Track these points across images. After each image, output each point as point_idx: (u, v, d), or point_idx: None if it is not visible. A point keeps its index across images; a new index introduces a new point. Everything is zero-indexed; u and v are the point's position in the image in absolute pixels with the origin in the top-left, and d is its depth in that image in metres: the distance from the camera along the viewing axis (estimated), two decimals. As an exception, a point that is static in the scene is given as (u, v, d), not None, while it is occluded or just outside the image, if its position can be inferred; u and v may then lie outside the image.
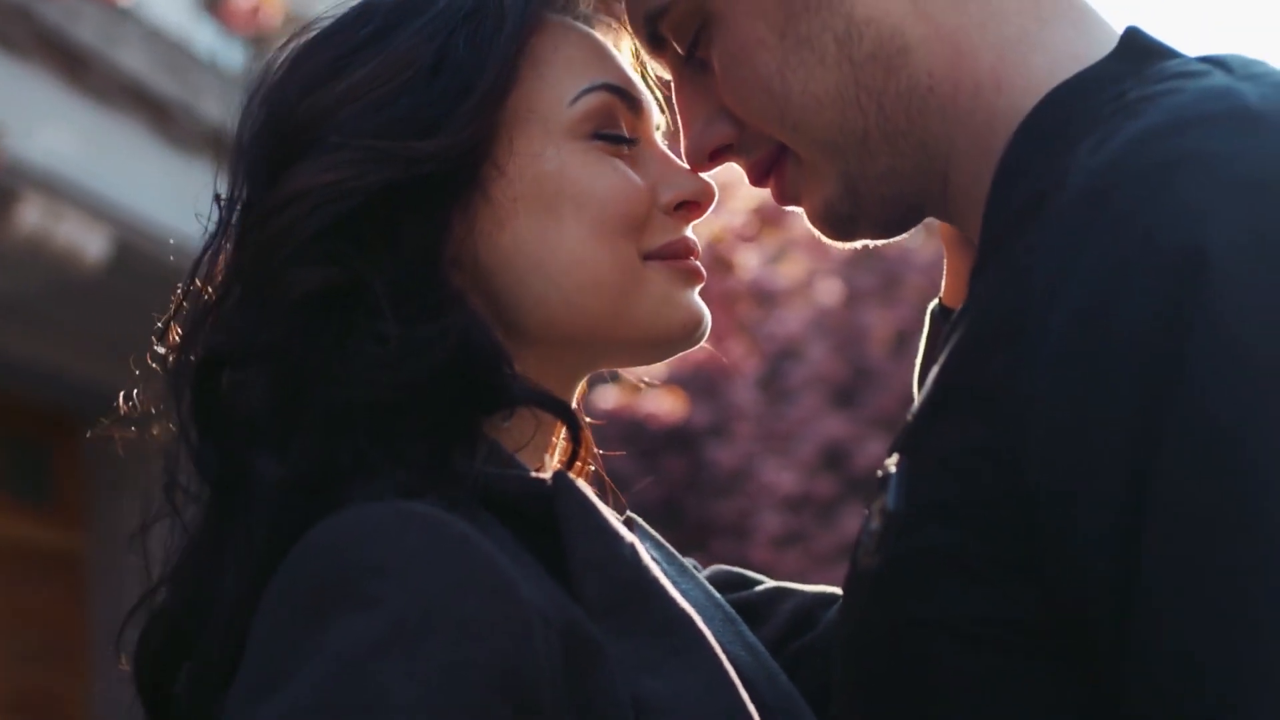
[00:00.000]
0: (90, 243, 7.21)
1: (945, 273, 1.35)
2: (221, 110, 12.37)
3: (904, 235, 1.26)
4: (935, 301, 1.36)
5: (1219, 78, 1.04)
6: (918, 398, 1.12)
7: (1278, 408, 0.91)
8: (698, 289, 1.28)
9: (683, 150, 1.28)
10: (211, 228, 1.27)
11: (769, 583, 1.46)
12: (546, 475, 1.19)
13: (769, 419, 9.77)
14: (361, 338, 1.17)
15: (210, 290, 1.25)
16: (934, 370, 1.09)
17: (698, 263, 1.28)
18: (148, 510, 1.26)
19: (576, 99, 1.25)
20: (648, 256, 1.26)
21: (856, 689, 1.10)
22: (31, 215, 6.96)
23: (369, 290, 1.17)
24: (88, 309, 7.58)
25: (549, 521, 1.14)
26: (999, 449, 0.99)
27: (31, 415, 8.32)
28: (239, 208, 1.25)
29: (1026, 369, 0.98)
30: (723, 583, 1.42)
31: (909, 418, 1.09)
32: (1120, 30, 1.16)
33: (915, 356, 1.35)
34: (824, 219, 1.22)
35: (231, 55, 8.95)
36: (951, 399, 1.05)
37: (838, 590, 1.40)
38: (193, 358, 1.22)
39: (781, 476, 9.54)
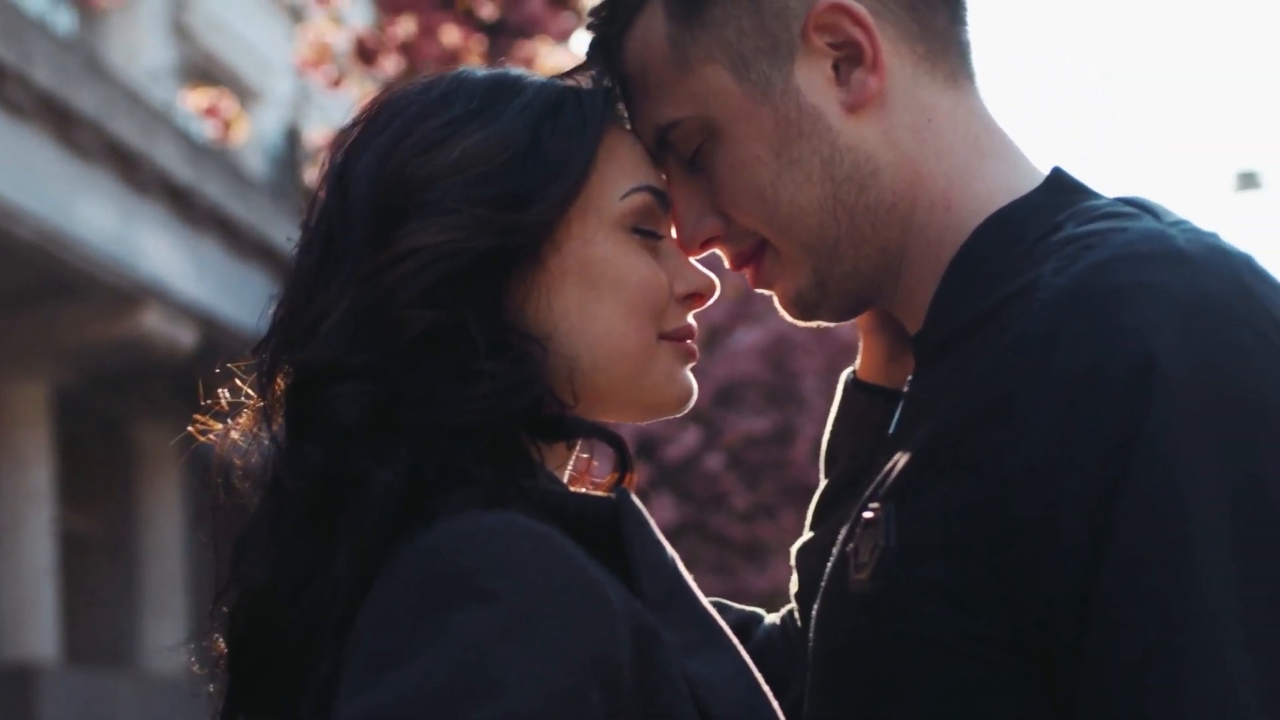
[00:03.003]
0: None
1: (861, 353, 1.60)
2: (53, 75, 12.69)
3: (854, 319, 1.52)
4: (850, 373, 1.61)
5: (1151, 222, 1.30)
6: (902, 457, 1.35)
7: (1208, 480, 1.18)
8: (690, 366, 1.51)
9: (676, 236, 1.51)
10: (295, 257, 1.46)
11: None
12: (603, 493, 1.42)
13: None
14: (452, 371, 1.37)
15: (299, 311, 1.43)
16: (916, 435, 1.34)
17: (694, 344, 1.51)
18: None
19: (625, 196, 1.45)
20: (661, 336, 1.47)
21: (839, 692, 1.36)
22: None
23: (468, 334, 1.38)
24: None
25: (611, 531, 1.36)
26: (985, 503, 1.24)
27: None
28: (331, 228, 1.43)
29: (1013, 444, 1.23)
30: None
31: (893, 473, 1.34)
32: (1042, 168, 1.43)
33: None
34: (794, 304, 1.48)
35: (61, 19, 9.23)
36: (943, 461, 1.29)
37: (758, 610, 1.71)
38: (295, 365, 1.40)
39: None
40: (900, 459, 1.35)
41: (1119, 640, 1.19)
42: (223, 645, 1.43)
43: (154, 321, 14.34)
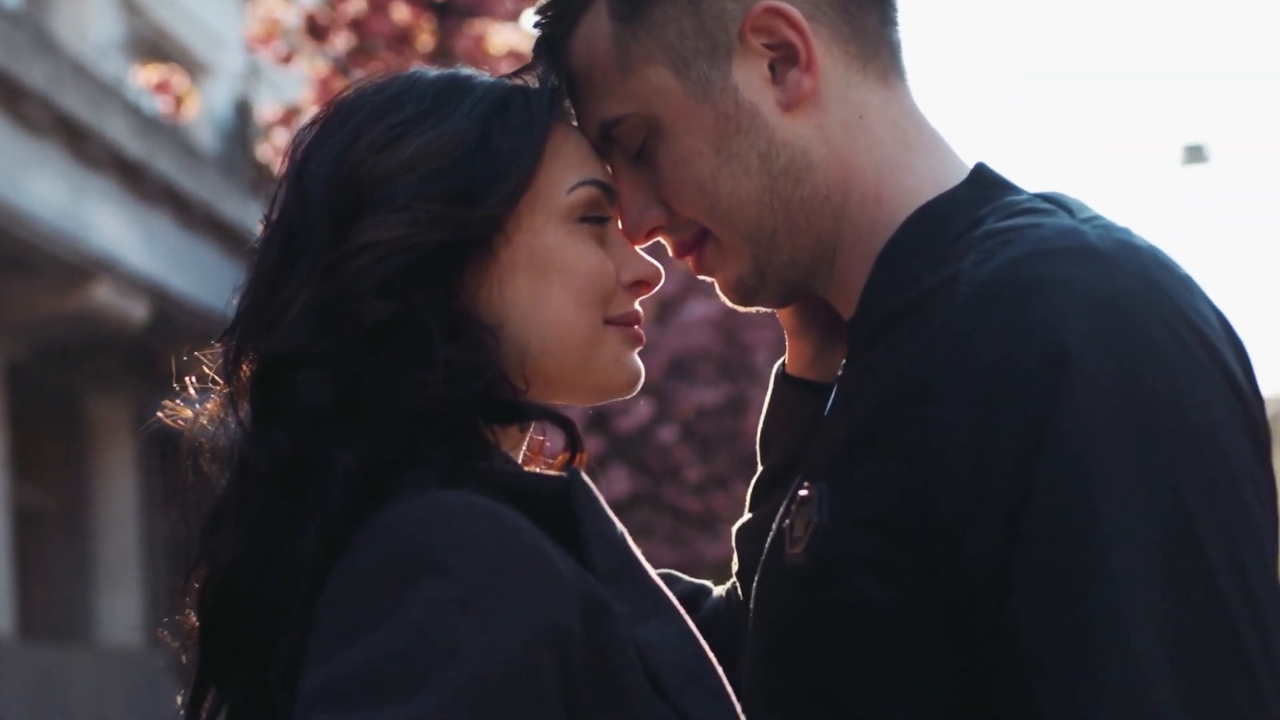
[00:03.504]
0: None
1: (788, 350, 1.68)
2: (2, 49, 12.66)
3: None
4: (779, 366, 1.69)
5: (1065, 219, 1.38)
6: (834, 438, 1.44)
7: (1117, 468, 1.26)
8: (638, 350, 1.59)
9: (622, 227, 1.58)
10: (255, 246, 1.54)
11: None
12: (554, 472, 1.51)
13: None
14: (409, 359, 1.44)
15: (262, 303, 1.50)
16: (847, 418, 1.43)
17: (640, 330, 1.59)
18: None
19: (572, 189, 1.53)
20: (608, 321, 1.54)
21: (778, 661, 1.44)
22: None
23: (423, 323, 1.44)
24: None
25: (563, 508, 1.44)
26: (911, 481, 1.32)
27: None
28: (290, 224, 1.50)
29: (936, 426, 1.32)
30: None
31: (826, 453, 1.43)
32: (969, 163, 1.51)
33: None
34: (734, 290, 1.56)
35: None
36: (871, 443, 1.37)
37: (705, 582, 1.80)
38: (260, 354, 1.48)
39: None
40: (832, 440, 1.44)
41: (1030, 621, 1.27)
42: (194, 620, 1.49)
43: (105, 295, 14.29)
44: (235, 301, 1.54)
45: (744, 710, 1.46)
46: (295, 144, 1.56)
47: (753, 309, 1.59)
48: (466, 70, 1.60)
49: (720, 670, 1.46)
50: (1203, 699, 1.24)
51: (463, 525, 1.34)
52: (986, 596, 1.29)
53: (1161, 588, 1.25)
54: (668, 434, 14.77)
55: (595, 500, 1.47)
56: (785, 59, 1.49)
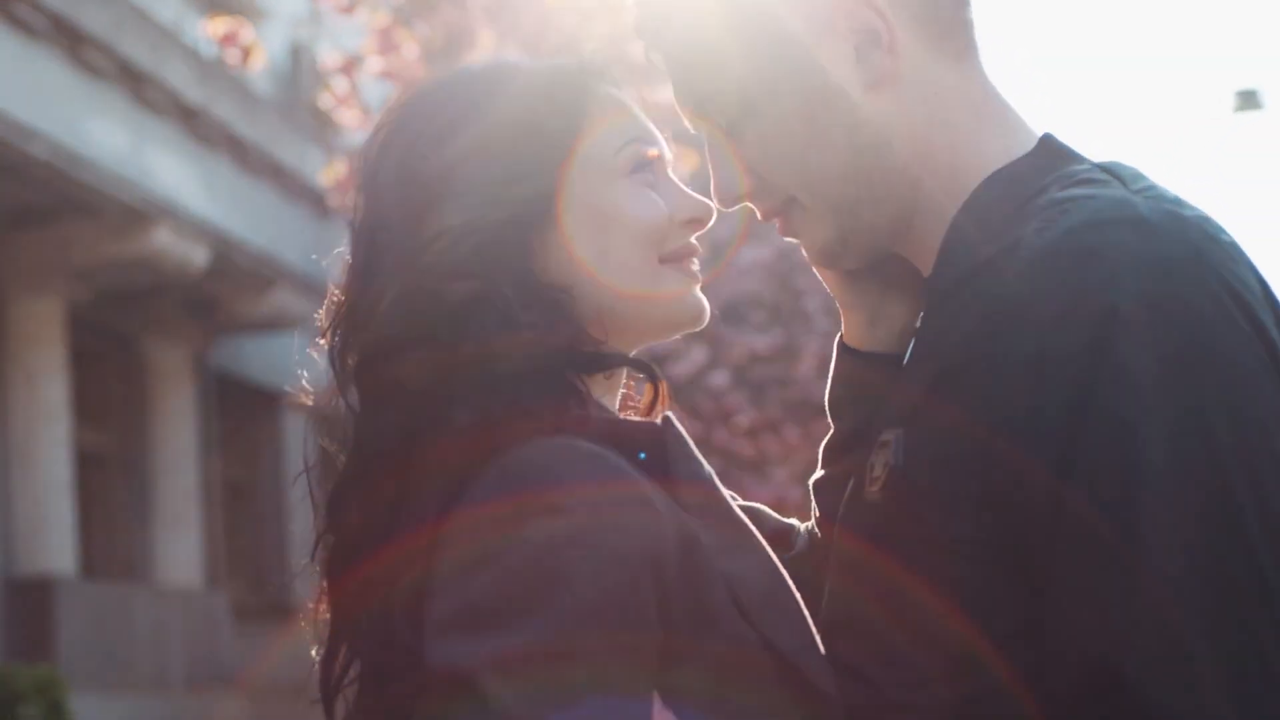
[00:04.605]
0: None
1: (843, 320, 1.79)
2: None
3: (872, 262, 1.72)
4: (839, 337, 1.81)
5: (1118, 190, 1.50)
6: (911, 387, 1.56)
7: (1157, 412, 1.39)
8: (699, 286, 1.71)
9: (713, 194, 1.70)
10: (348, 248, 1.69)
11: (741, 502, 1.91)
12: (650, 419, 1.66)
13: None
14: (496, 328, 1.56)
15: (356, 301, 1.65)
16: (923, 370, 1.55)
17: (697, 266, 1.71)
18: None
19: (621, 149, 1.66)
20: (663, 260, 1.67)
21: (857, 587, 1.58)
22: None
23: (501, 295, 1.58)
24: None
25: (657, 450, 1.58)
26: (976, 426, 1.46)
27: None
28: (372, 226, 1.66)
29: (999, 376, 1.45)
30: None
31: (903, 401, 1.56)
32: (1038, 132, 1.63)
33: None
34: (820, 254, 1.69)
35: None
36: (943, 391, 1.50)
37: (793, 520, 1.92)
38: (362, 344, 1.62)
39: None
40: (908, 389, 1.57)
41: (1075, 551, 1.41)
42: (324, 585, 1.64)
43: (166, 239, 14.46)
44: (332, 304, 1.69)
45: (826, 634, 1.60)
46: (365, 150, 1.71)
47: (836, 269, 1.72)
48: (509, 59, 1.75)
49: (798, 595, 1.60)
50: (1221, 626, 1.37)
51: (568, 468, 1.47)
52: (1040, 526, 1.43)
53: (1194, 522, 1.38)
54: (720, 379, 14.88)
55: (686, 443, 1.62)
56: (869, 41, 1.60)
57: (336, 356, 1.67)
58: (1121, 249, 1.43)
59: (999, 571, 1.47)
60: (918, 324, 1.65)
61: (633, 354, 1.69)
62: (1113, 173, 1.55)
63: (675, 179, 1.72)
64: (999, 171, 1.59)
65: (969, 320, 1.51)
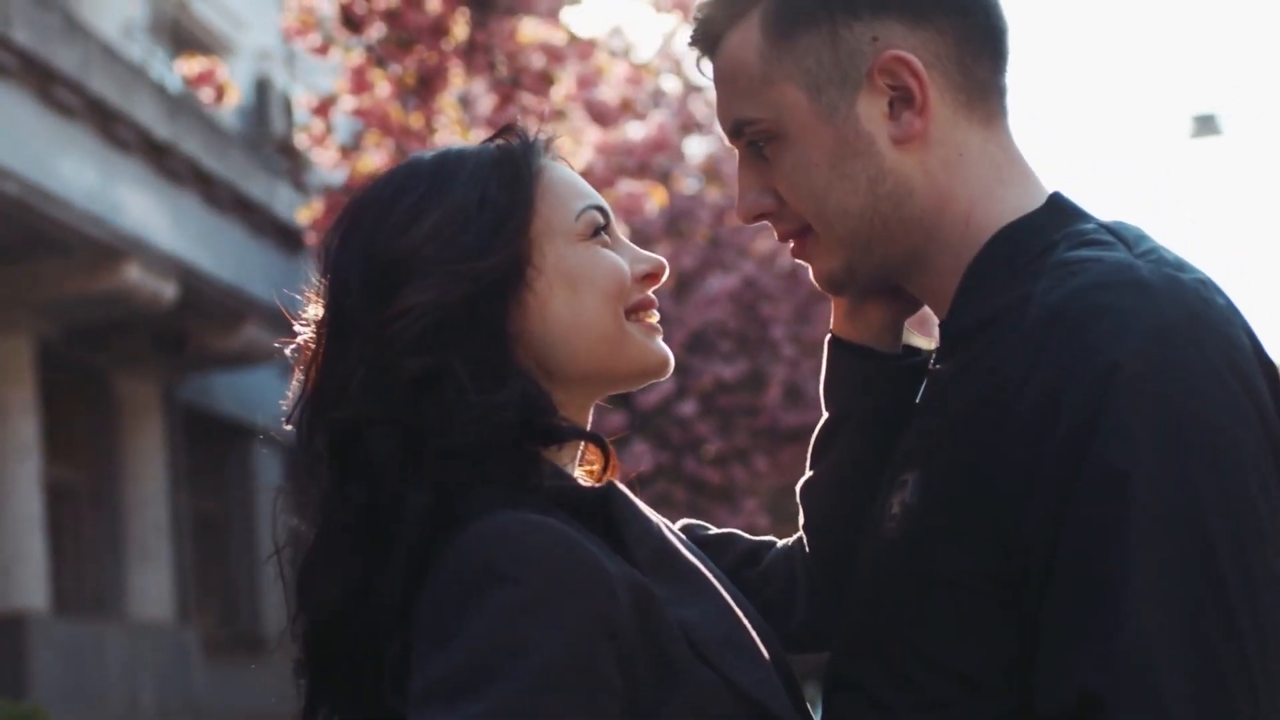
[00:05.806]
0: None
1: (835, 312, 1.93)
2: (33, 34, 12.80)
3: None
4: (830, 333, 1.94)
5: (1122, 253, 1.63)
6: (926, 427, 1.70)
7: (1151, 465, 1.51)
8: (660, 337, 1.81)
9: (736, 210, 1.83)
10: (310, 331, 1.78)
11: (715, 530, 2.08)
12: (594, 483, 1.76)
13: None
14: (454, 403, 1.65)
15: (324, 382, 1.73)
16: (937, 411, 1.69)
17: (656, 318, 1.81)
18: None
19: (579, 215, 1.77)
20: (627, 313, 1.77)
21: (877, 617, 1.70)
22: None
23: (453, 370, 1.66)
24: None
25: (605, 513, 1.69)
26: (984, 469, 1.58)
27: None
28: (337, 313, 1.74)
29: (1006, 423, 1.57)
30: (686, 533, 2.01)
31: (919, 441, 1.69)
32: (1048, 189, 1.76)
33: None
34: (826, 281, 1.81)
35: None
36: (954, 435, 1.63)
37: (769, 538, 2.07)
38: (330, 423, 1.70)
39: None
40: (924, 431, 1.71)
41: (1071, 585, 1.53)
42: (302, 655, 1.74)
43: (135, 275, 14.48)
44: (298, 386, 1.78)
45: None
46: (328, 240, 1.79)
47: (841, 295, 1.87)
48: (455, 146, 1.84)
49: (755, 635, 1.71)
50: (1193, 671, 1.48)
51: (522, 541, 1.56)
52: (1038, 565, 1.55)
53: (1171, 571, 1.49)
54: (688, 408, 14.98)
55: (632, 503, 1.73)
56: (903, 99, 1.71)
57: (304, 435, 1.74)
58: (1123, 311, 1.55)
59: (998, 607, 1.59)
60: (932, 362, 1.78)
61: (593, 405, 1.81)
62: (1117, 234, 1.67)
63: (625, 239, 1.83)
64: (1011, 225, 1.72)
65: (979, 370, 1.63)
